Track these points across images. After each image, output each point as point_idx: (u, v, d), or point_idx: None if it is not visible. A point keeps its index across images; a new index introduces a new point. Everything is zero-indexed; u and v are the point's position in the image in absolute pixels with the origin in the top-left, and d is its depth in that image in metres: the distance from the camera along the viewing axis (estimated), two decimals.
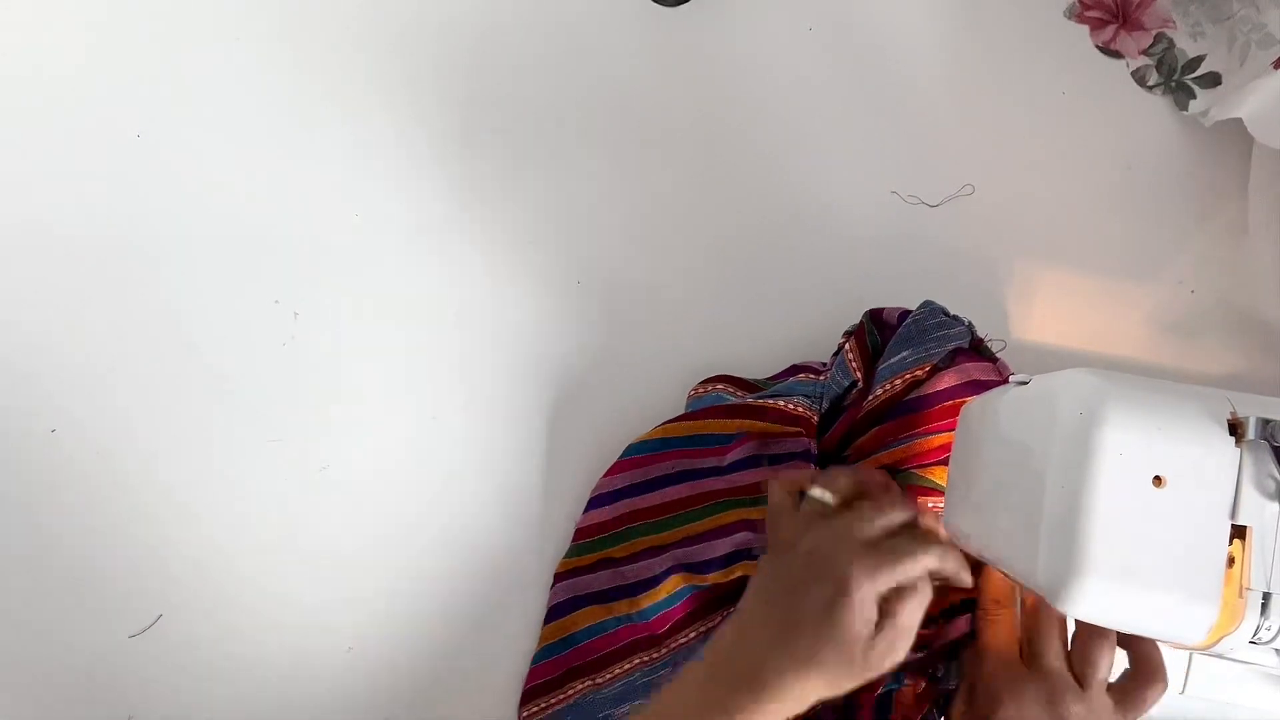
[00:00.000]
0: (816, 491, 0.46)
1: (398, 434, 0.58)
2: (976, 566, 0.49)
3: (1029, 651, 0.45)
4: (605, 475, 0.57)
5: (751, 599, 0.45)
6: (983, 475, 0.44)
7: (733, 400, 0.56)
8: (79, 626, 0.56)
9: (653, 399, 0.58)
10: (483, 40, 0.61)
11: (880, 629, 0.41)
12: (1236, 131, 0.57)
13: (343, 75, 0.60)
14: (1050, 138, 0.61)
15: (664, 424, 0.57)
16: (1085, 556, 0.35)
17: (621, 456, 0.57)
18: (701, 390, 0.57)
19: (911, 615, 0.42)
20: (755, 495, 0.53)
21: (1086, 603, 0.35)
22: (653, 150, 0.61)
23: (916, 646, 0.43)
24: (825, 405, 0.53)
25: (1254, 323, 0.59)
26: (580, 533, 0.56)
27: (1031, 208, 0.61)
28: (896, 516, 0.44)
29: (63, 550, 0.56)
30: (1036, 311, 0.60)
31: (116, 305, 0.58)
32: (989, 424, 0.44)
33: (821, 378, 0.55)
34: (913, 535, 0.43)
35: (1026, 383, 0.42)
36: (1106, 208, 0.61)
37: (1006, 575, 0.42)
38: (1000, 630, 0.47)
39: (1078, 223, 0.61)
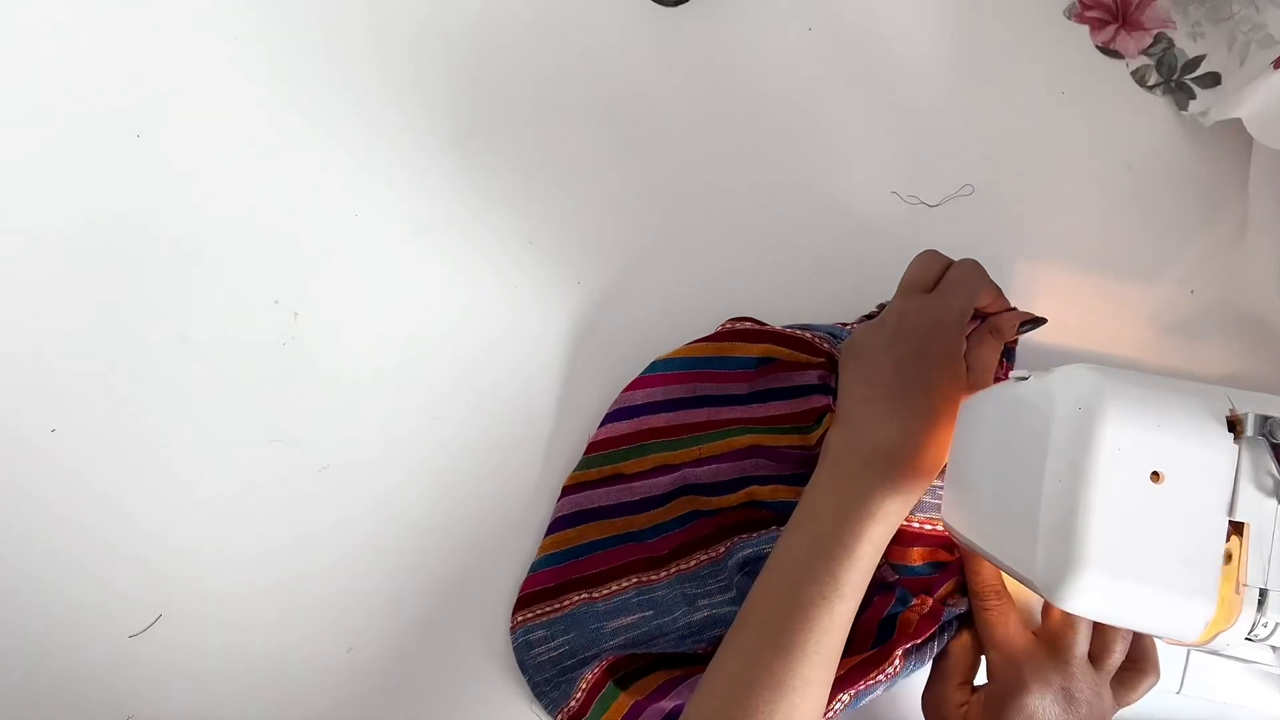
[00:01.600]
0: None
1: (398, 434, 0.58)
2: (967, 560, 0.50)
3: (1055, 637, 0.46)
4: (626, 389, 0.57)
5: (847, 392, 0.49)
6: (981, 471, 0.44)
7: (757, 327, 0.56)
8: (79, 626, 0.56)
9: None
10: (482, 40, 0.61)
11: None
12: (1236, 131, 0.57)
13: (343, 75, 0.61)
14: (1050, 138, 0.61)
15: (691, 343, 0.57)
16: (1083, 552, 0.35)
17: (645, 372, 0.57)
18: (729, 325, 0.58)
19: (990, 356, 0.50)
20: (770, 425, 0.54)
21: (1083, 598, 0.35)
22: (652, 150, 0.61)
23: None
24: None
25: (1254, 323, 0.59)
26: (594, 445, 0.57)
27: (1031, 208, 0.61)
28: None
29: (62, 550, 0.56)
30: (1036, 311, 0.60)
31: (116, 305, 0.58)
32: (988, 420, 0.44)
33: (849, 326, 0.56)
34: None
35: (1026, 378, 0.42)
36: (1106, 208, 0.61)
37: (1006, 571, 0.42)
38: (1004, 620, 0.48)
39: (1077, 223, 0.61)
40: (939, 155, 0.61)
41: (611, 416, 0.57)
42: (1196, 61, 0.59)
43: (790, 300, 0.59)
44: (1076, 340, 0.60)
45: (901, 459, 0.45)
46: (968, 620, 0.50)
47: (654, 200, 0.60)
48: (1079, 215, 0.61)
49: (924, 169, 0.61)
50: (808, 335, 0.55)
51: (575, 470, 0.56)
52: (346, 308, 0.59)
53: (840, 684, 0.48)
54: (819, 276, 0.60)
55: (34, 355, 0.57)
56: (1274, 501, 0.35)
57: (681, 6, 0.62)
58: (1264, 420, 0.35)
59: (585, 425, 0.58)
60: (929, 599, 0.50)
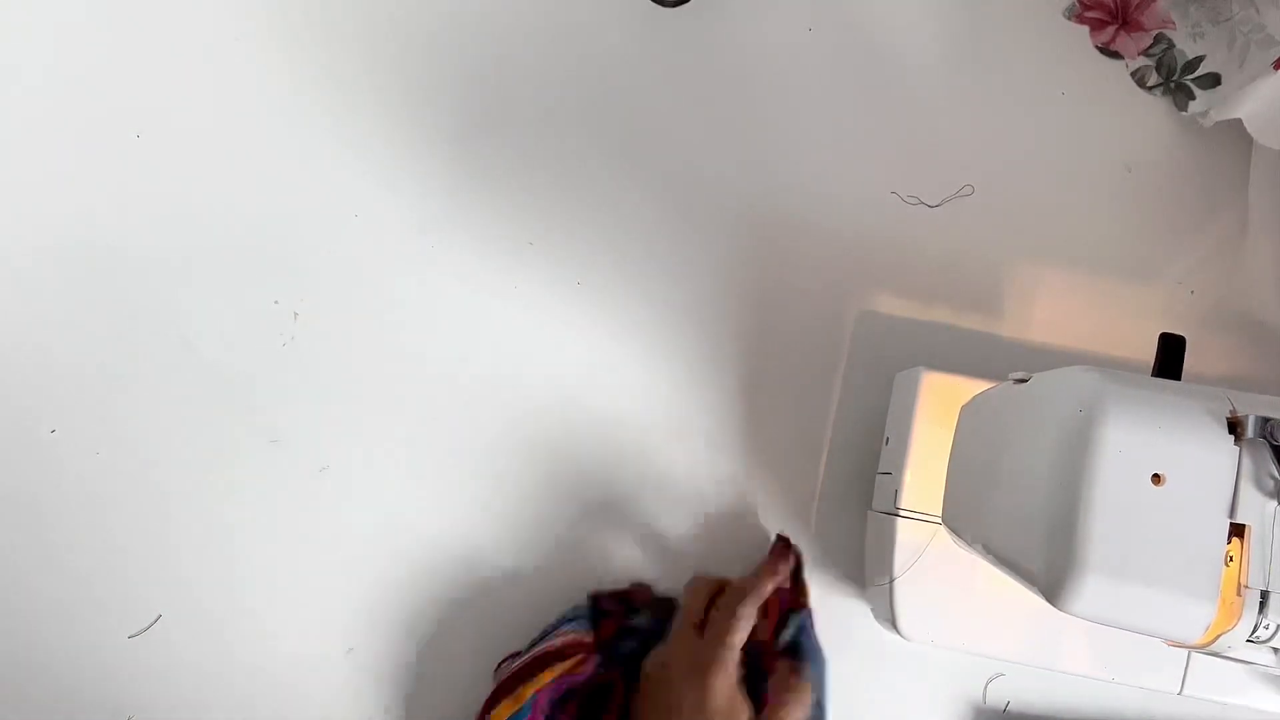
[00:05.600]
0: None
1: (398, 434, 0.58)
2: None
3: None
4: None
5: (640, 710, 0.51)
6: (981, 474, 0.44)
7: (502, 672, 0.54)
8: (79, 626, 0.56)
9: (652, 397, 0.59)
10: (482, 41, 0.61)
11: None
12: (1236, 132, 0.57)
13: (343, 75, 0.61)
14: (1050, 138, 0.61)
15: None
16: (1084, 554, 0.35)
17: None
18: (498, 670, 0.56)
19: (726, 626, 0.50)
20: None
21: (1084, 601, 0.35)
22: (652, 151, 0.61)
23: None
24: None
25: (1254, 323, 0.59)
26: None
27: (1031, 208, 0.61)
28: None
29: (62, 550, 0.56)
30: (1036, 311, 0.60)
31: (116, 305, 0.58)
32: (987, 422, 0.44)
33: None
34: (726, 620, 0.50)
35: (1025, 380, 0.42)
36: (1106, 208, 0.61)
37: (1007, 573, 0.41)
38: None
39: (1077, 223, 0.61)
40: (939, 155, 0.61)
41: None
42: (1196, 62, 0.59)
43: (789, 299, 0.59)
44: (1075, 341, 0.60)
45: None
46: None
47: (653, 200, 0.60)
48: (1079, 215, 0.61)
49: (924, 169, 0.61)
50: (549, 646, 0.53)
51: None
52: (346, 308, 0.59)
53: None
54: (818, 276, 0.60)
55: (34, 355, 0.57)
56: (1275, 503, 0.35)
57: (681, 6, 0.61)
58: (1265, 422, 0.35)
59: (586, 419, 0.58)
60: None
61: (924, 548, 0.51)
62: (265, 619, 0.56)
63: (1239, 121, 0.56)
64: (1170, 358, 0.43)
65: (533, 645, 0.55)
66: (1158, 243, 0.61)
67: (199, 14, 0.61)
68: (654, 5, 0.62)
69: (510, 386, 0.59)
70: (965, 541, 0.45)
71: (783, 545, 0.55)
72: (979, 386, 0.50)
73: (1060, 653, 0.51)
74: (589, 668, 0.53)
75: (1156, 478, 0.35)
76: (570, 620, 0.55)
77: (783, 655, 0.52)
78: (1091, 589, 0.35)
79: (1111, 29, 0.61)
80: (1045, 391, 0.40)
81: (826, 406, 0.59)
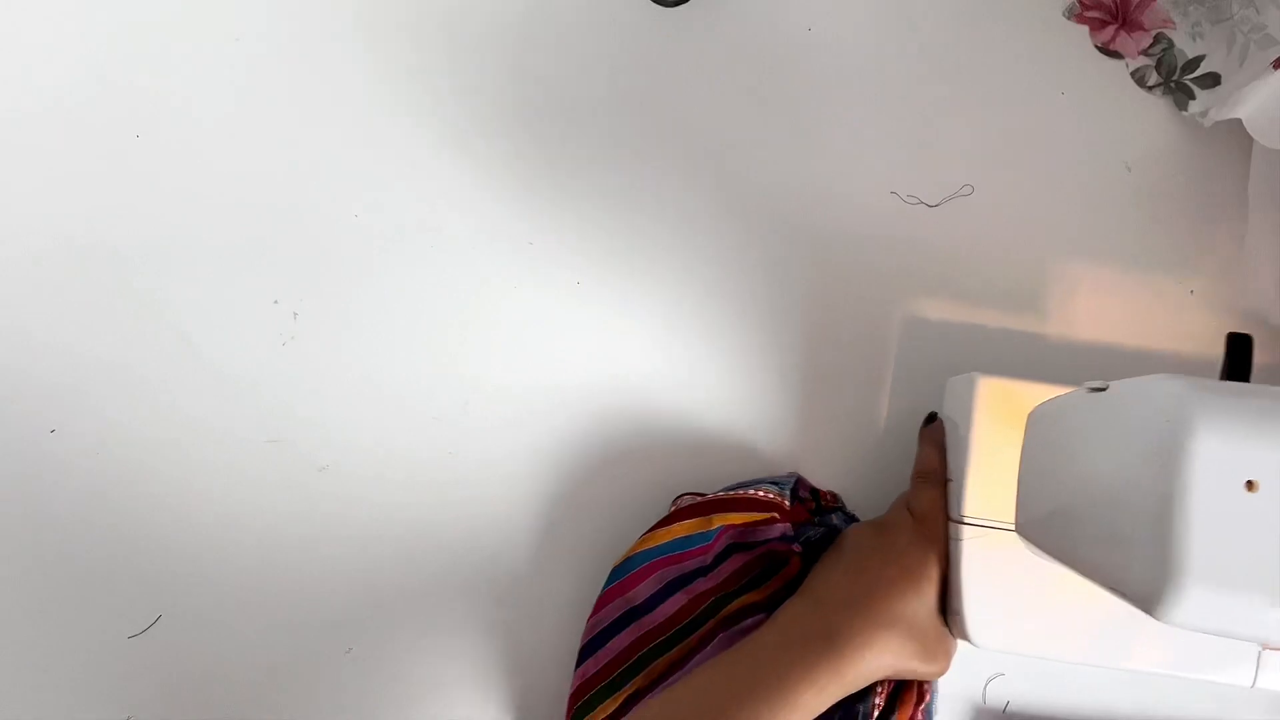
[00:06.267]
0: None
1: (398, 434, 0.58)
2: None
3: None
4: (592, 615, 0.55)
5: (824, 571, 0.51)
6: (1057, 482, 0.44)
7: (699, 499, 0.56)
8: (79, 626, 0.56)
9: (652, 395, 0.59)
10: (482, 41, 0.61)
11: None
12: (1236, 131, 0.57)
13: (343, 75, 0.61)
14: (1050, 138, 0.61)
15: (643, 535, 0.56)
16: (1181, 564, 0.35)
17: (605, 586, 0.56)
18: (676, 504, 0.57)
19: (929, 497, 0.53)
20: (742, 582, 0.54)
21: (1185, 610, 0.35)
22: (651, 151, 0.61)
23: None
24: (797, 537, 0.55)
25: (1254, 323, 0.59)
26: (591, 679, 0.54)
27: (1031, 208, 0.61)
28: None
29: (62, 550, 0.56)
30: (1035, 311, 0.60)
31: (116, 305, 0.58)
32: (1062, 430, 0.44)
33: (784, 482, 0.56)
34: None
35: (1104, 389, 0.42)
36: (1106, 208, 0.61)
37: (1093, 581, 0.41)
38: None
39: (1077, 223, 0.61)
40: (939, 155, 0.61)
41: (586, 652, 0.55)
42: (1196, 62, 0.59)
43: (789, 299, 0.59)
44: (1075, 340, 0.60)
45: (844, 651, 0.47)
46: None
47: (652, 200, 0.60)
48: (1079, 215, 0.61)
49: (924, 169, 0.61)
50: (749, 493, 0.55)
51: (590, 713, 0.54)
52: (346, 308, 0.59)
53: None
54: (819, 276, 0.60)
55: (34, 356, 0.57)
56: None
57: (681, 6, 0.61)
58: None
59: (586, 418, 0.58)
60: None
61: (989, 555, 0.51)
62: (264, 619, 0.56)
63: (1239, 121, 0.56)
64: (1238, 358, 0.43)
65: (728, 490, 0.56)
66: (1157, 243, 0.61)
67: (199, 14, 0.61)
68: (654, 5, 0.62)
69: (509, 386, 0.58)
70: (1044, 550, 0.45)
71: (930, 418, 0.56)
72: (1036, 390, 0.50)
73: (1132, 652, 0.50)
74: (775, 531, 0.54)
75: (1250, 485, 0.35)
76: (774, 483, 0.55)
77: None
78: (1192, 599, 0.35)
79: (1111, 29, 0.61)
80: (1127, 401, 0.40)
81: (876, 412, 0.59)
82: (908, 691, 0.51)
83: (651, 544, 0.55)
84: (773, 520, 0.54)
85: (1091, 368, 0.59)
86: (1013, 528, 0.49)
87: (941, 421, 0.55)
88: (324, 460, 0.58)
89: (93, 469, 0.57)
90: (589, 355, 0.59)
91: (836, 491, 0.58)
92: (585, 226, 0.60)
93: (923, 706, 0.52)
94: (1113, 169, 0.61)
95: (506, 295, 0.59)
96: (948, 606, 0.51)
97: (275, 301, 0.59)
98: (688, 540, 0.55)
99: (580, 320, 0.59)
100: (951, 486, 0.53)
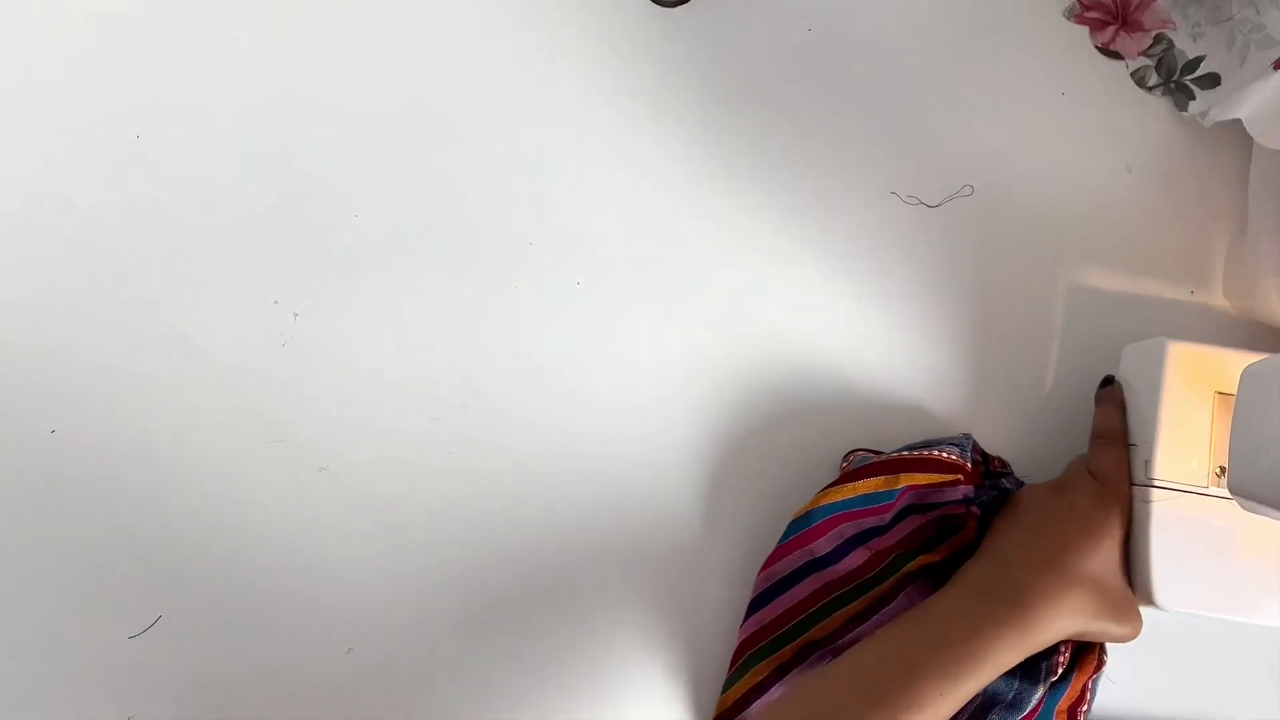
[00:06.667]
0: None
1: (398, 435, 0.58)
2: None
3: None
4: (764, 569, 0.55)
5: (1003, 533, 0.52)
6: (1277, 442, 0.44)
7: (882, 457, 0.56)
8: (79, 626, 0.56)
9: (652, 394, 0.59)
10: (481, 41, 0.61)
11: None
12: (1236, 132, 0.57)
13: (342, 75, 0.61)
14: (1050, 138, 0.61)
15: (823, 490, 0.56)
16: None
17: (782, 540, 0.56)
18: (848, 461, 0.57)
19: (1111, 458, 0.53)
20: (920, 543, 0.55)
21: None
22: (651, 151, 0.61)
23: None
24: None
25: (1254, 323, 0.59)
26: (758, 635, 0.55)
27: (1031, 208, 0.61)
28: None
29: (62, 550, 0.56)
30: (1034, 311, 0.60)
31: (116, 305, 0.58)
32: None
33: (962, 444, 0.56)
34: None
35: None
36: (1106, 208, 0.61)
37: None
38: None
39: (1077, 223, 0.61)
40: (939, 155, 0.61)
41: (769, 593, 0.55)
42: (1196, 62, 0.59)
43: (789, 299, 0.59)
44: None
45: (1034, 608, 0.47)
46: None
47: (653, 200, 0.60)
48: (1078, 216, 0.61)
49: (924, 169, 0.61)
50: (934, 454, 0.55)
51: (760, 660, 0.54)
52: (346, 308, 0.59)
53: None
54: (818, 275, 0.60)
55: (34, 356, 0.57)
56: None
57: (681, 7, 0.61)
58: None
59: (585, 418, 0.58)
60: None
61: (1178, 519, 0.52)
62: (265, 619, 0.56)
63: (1239, 121, 0.56)
64: None
65: (910, 449, 0.56)
66: (1157, 243, 0.61)
67: (199, 13, 0.61)
68: (654, 5, 0.62)
69: (509, 386, 0.58)
70: (1262, 506, 0.46)
71: (1107, 380, 0.57)
72: (1224, 355, 0.52)
73: None
74: (958, 493, 0.54)
75: None
76: (953, 444, 0.55)
77: None
78: None
79: (1111, 29, 0.61)
80: None
81: (1042, 382, 0.59)
82: (1088, 654, 0.51)
83: (834, 499, 0.55)
84: (956, 482, 0.54)
85: None
86: (1202, 491, 0.51)
87: (1119, 384, 0.56)
88: (324, 460, 0.58)
89: (93, 469, 0.57)
90: (591, 356, 0.59)
91: (1004, 457, 0.58)
92: (583, 226, 0.60)
93: (1097, 675, 0.52)
94: (1113, 169, 0.61)
95: (506, 294, 0.59)
96: (1132, 570, 0.52)
97: (275, 301, 0.59)
98: (871, 498, 0.55)
99: (580, 320, 0.59)
100: (1135, 450, 0.53)
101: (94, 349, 0.58)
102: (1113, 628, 0.49)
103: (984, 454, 0.57)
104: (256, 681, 0.56)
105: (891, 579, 0.54)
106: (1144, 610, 0.51)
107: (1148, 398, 0.53)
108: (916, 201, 0.61)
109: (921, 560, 0.54)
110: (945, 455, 0.54)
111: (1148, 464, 0.52)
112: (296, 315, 0.59)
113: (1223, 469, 0.52)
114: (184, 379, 0.58)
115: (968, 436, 0.56)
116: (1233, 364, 0.51)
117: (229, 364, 0.58)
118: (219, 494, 0.57)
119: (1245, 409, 0.48)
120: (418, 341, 0.59)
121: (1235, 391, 0.49)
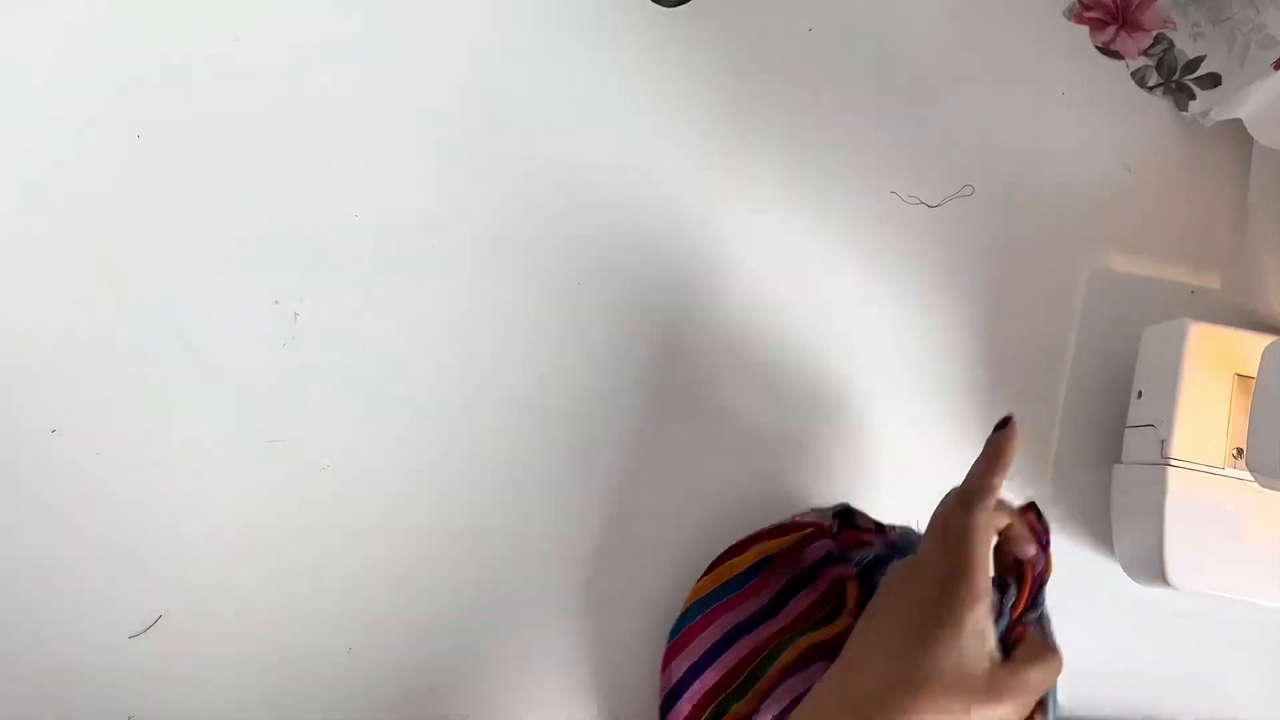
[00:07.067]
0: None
1: (398, 435, 0.58)
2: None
3: None
4: (663, 672, 0.53)
5: (865, 618, 0.45)
6: None
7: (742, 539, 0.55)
8: (79, 626, 0.56)
9: (651, 392, 0.59)
10: (479, 41, 0.61)
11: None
12: (1236, 132, 0.58)
13: (342, 76, 0.61)
14: (1050, 138, 0.61)
15: (695, 586, 0.55)
16: None
17: (669, 640, 0.54)
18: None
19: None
20: (813, 620, 0.52)
21: None
22: (651, 150, 0.61)
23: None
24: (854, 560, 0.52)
25: (1254, 322, 0.59)
26: None
27: (1031, 208, 0.61)
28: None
29: (63, 550, 0.56)
30: (1034, 312, 0.60)
31: (116, 305, 0.58)
32: None
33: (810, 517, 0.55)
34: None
35: None
36: (1106, 208, 0.61)
37: None
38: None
39: (1077, 224, 0.61)
40: (939, 155, 0.61)
41: (669, 700, 0.53)
42: (1196, 62, 0.59)
43: (788, 299, 0.60)
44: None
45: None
46: None
47: (653, 201, 0.60)
48: (1078, 216, 0.61)
49: (924, 169, 0.61)
50: (790, 520, 0.54)
51: None
52: (346, 308, 0.59)
53: None
54: (819, 275, 0.60)
55: (34, 356, 0.57)
56: None
57: (681, 7, 0.61)
58: None
59: (585, 417, 0.58)
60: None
61: (1193, 498, 0.52)
62: (266, 619, 0.56)
63: (1239, 121, 0.56)
64: None
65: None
66: (1157, 243, 0.61)
67: (199, 14, 0.61)
68: (653, 5, 0.62)
69: (509, 386, 0.58)
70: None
71: (1001, 424, 0.47)
72: (1245, 339, 0.53)
73: None
74: (820, 551, 0.52)
75: None
76: (816, 510, 0.54)
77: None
78: None
79: (1112, 29, 0.61)
80: None
81: (1060, 365, 0.60)
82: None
83: (703, 592, 0.54)
84: (814, 536, 0.52)
85: None
86: (1218, 471, 0.52)
87: (1013, 428, 0.46)
88: (325, 460, 0.58)
89: (93, 469, 0.57)
90: (591, 357, 0.59)
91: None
92: (583, 226, 0.60)
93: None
94: (1113, 169, 0.61)
95: (506, 295, 0.59)
96: (1145, 548, 0.52)
97: (276, 302, 0.59)
98: (733, 582, 0.53)
99: (580, 321, 0.59)
100: (1158, 430, 0.54)
101: (94, 349, 0.58)
102: (992, 712, 0.41)
103: (878, 525, 0.53)
104: (256, 681, 0.56)
105: (773, 669, 0.51)
106: (1157, 593, 0.51)
107: (1167, 378, 0.54)
108: (917, 201, 0.61)
109: (810, 639, 0.51)
110: (799, 519, 0.54)
111: (1164, 443, 0.53)
112: (296, 315, 0.59)
113: (1239, 450, 0.52)
114: (185, 379, 0.58)
115: (842, 504, 0.54)
116: (1252, 347, 0.52)
117: (229, 364, 0.58)
118: (219, 494, 0.57)
119: (1266, 386, 0.48)
120: (418, 341, 0.59)
121: (1254, 374, 0.50)
